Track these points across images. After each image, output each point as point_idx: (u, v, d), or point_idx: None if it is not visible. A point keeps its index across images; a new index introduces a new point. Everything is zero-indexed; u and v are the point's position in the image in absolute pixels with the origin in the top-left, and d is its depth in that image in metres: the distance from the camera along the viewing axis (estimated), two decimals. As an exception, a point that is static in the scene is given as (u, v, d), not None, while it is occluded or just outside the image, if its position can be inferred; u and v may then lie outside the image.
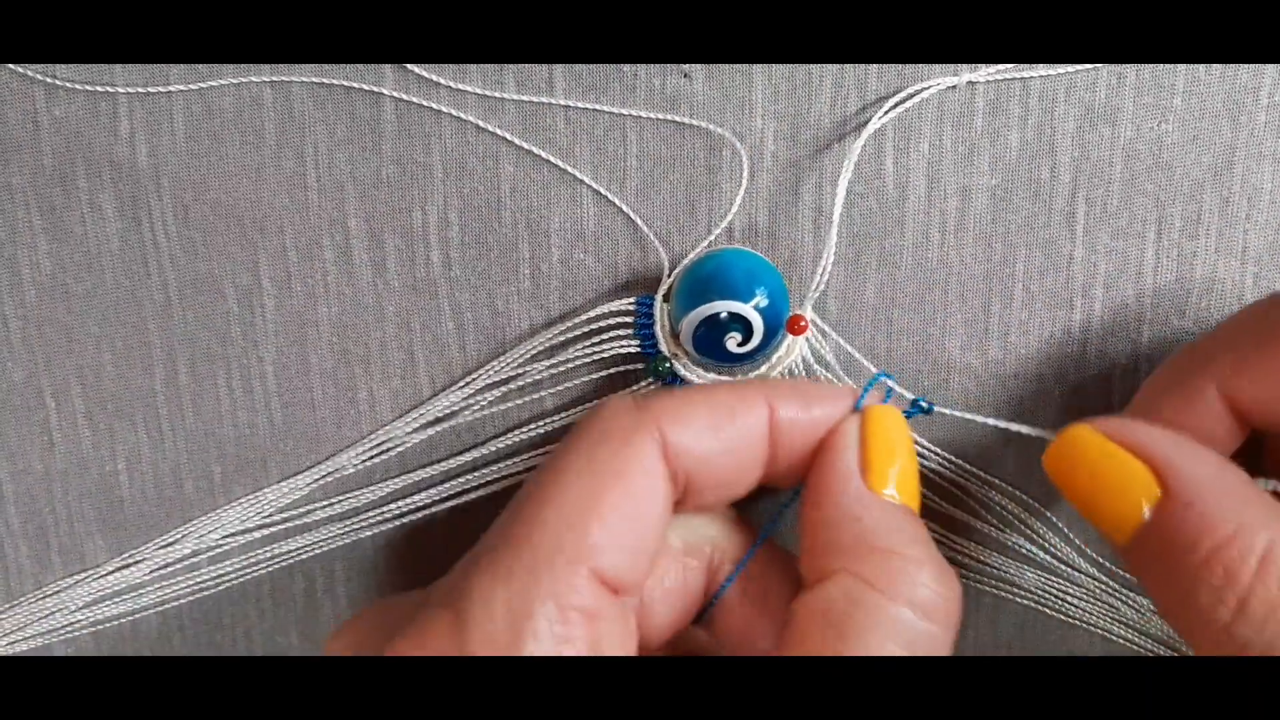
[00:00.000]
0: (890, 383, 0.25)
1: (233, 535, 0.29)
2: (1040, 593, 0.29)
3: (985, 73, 0.25)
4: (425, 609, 0.22)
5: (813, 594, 0.22)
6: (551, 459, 0.23)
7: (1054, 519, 0.28)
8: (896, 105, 0.25)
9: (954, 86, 0.25)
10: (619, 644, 0.22)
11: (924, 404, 0.26)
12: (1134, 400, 0.25)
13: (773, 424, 0.24)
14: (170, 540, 0.29)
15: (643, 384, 0.27)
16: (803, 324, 0.26)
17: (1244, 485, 0.22)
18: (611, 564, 0.22)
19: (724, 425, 0.23)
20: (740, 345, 0.25)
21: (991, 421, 0.25)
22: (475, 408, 0.28)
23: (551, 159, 0.26)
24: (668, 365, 0.26)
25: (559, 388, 0.28)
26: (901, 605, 0.22)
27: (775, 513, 0.26)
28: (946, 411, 0.26)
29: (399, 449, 0.28)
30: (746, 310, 0.25)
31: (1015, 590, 0.29)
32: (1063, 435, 0.23)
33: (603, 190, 0.26)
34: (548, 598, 0.21)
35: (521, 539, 0.22)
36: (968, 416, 0.26)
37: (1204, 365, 0.23)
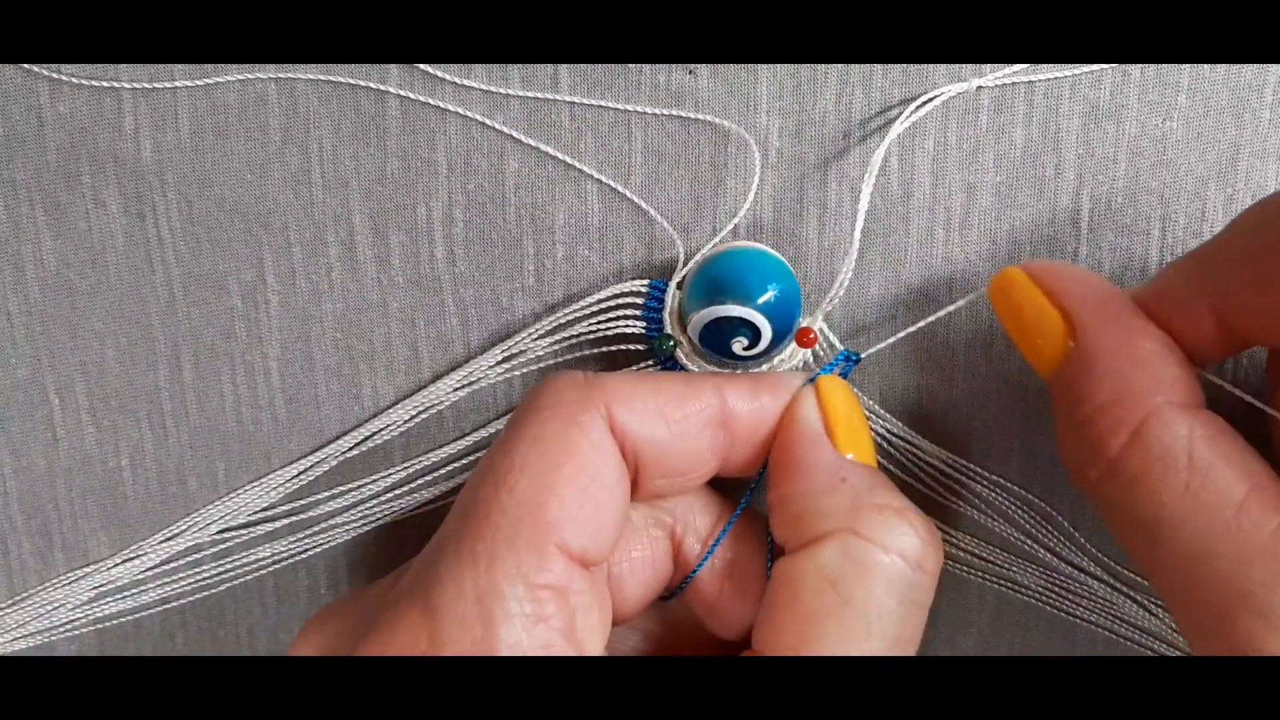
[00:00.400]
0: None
1: (236, 529, 0.29)
2: (1044, 591, 0.29)
3: (994, 77, 0.25)
4: (394, 604, 0.22)
5: (803, 557, 0.23)
6: (502, 437, 0.23)
7: (1058, 517, 0.28)
8: (914, 112, 0.25)
9: (962, 92, 0.25)
10: (596, 615, 0.22)
11: (853, 356, 0.26)
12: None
13: (725, 414, 0.24)
14: (173, 533, 0.29)
15: (642, 364, 0.27)
16: (811, 337, 0.26)
17: (1149, 357, 0.22)
18: (575, 538, 0.22)
19: (671, 411, 0.24)
20: (746, 349, 0.25)
21: (912, 328, 0.26)
22: (479, 383, 0.28)
23: (556, 154, 0.26)
24: (671, 345, 0.26)
25: (561, 359, 0.28)
26: (895, 557, 0.22)
27: (749, 486, 0.26)
28: (874, 350, 0.27)
29: (404, 428, 0.28)
30: (757, 318, 0.25)
31: (1019, 588, 0.29)
32: (1000, 274, 0.24)
33: (611, 184, 0.26)
34: (516, 579, 0.21)
35: (481, 522, 0.22)
36: (890, 341, 0.26)
37: (1196, 286, 0.22)
